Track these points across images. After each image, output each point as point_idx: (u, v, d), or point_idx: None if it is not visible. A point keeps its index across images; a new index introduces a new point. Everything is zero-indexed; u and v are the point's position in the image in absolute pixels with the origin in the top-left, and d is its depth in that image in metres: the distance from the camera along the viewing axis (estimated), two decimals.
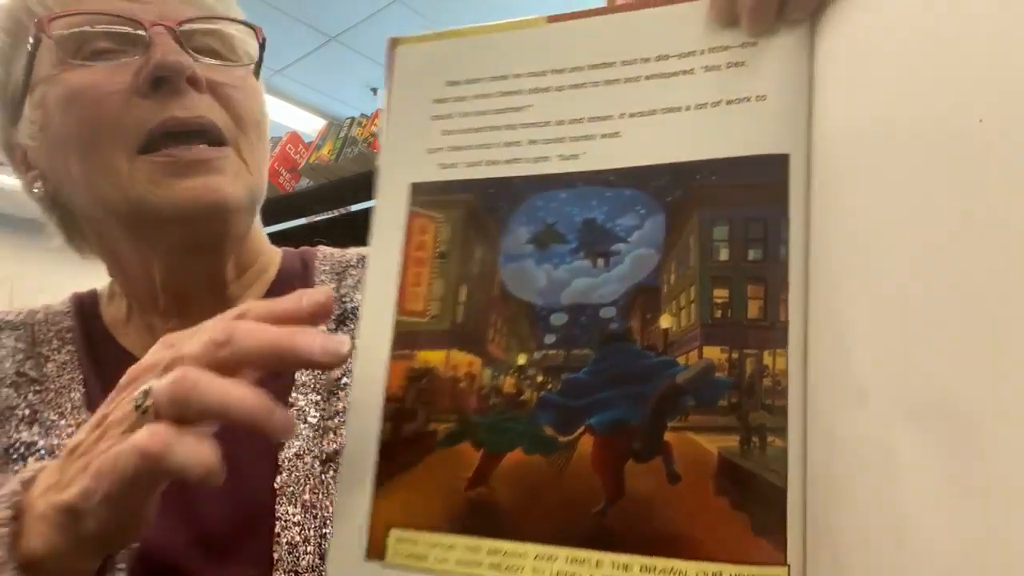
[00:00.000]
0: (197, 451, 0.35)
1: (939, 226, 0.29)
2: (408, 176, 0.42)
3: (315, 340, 0.37)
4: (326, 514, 0.54)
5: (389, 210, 0.42)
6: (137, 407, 0.37)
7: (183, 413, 0.36)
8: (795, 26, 0.38)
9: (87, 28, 0.56)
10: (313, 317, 0.39)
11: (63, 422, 0.58)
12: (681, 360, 0.36)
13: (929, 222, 0.30)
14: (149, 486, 0.37)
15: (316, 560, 0.53)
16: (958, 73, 0.31)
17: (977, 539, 0.26)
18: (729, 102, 0.38)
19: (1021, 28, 0.28)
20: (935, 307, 0.29)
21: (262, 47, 0.63)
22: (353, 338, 0.40)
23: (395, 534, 0.38)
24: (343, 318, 0.65)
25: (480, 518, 0.37)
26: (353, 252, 0.73)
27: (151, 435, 0.35)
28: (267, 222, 0.72)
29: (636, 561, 0.34)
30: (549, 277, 0.39)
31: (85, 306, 0.68)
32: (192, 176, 0.55)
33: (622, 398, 0.36)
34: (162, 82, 0.55)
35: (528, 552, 0.35)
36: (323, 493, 0.55)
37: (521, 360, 0.38)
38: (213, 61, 0.60)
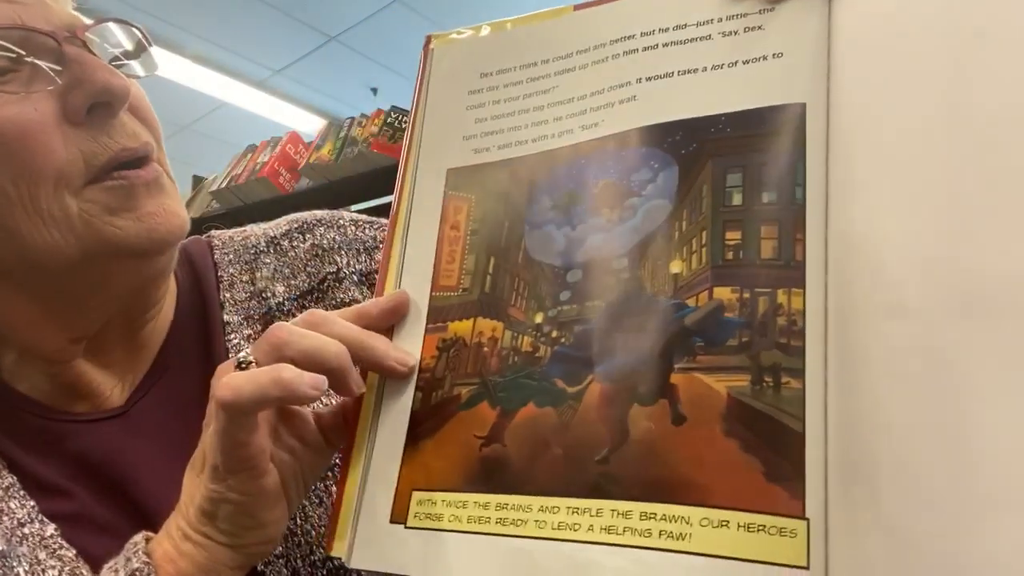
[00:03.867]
0: (271, 379, 0.36)
1: (965, 131, 0.28)
2: (445, 163, 0.45)
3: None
4: (309, 539, 0.51)
5: (427, 196, 0.45)
6: (239, 365, 0.39)
7: (282, 356, 0.38)
8: None
9: None
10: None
11: None
12: (691, 302, 0.34)
13: (952, 133, 0.29)
14: (244, 433, 0.37)
15: None
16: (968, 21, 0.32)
17: None
18: (746, 62, 0.38)
19: None
20: (968, 206, 0.28)
21: (140, 48, 0.52)
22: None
23: (416, 496, 0.38)
24: (269, 317, 0.57)
25: (492, 474, 0.36)
26: (258, 233, 0.63)
27: (221, 387, 0.36)
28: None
29: (637, 508, 0.31)
30: (567, 238, 0.39)
31: None
32: (147, 197, 0.47)
33: (629, 344, 0.35)
34: (99, 107, 0.45)
35: (532, 505, 0.34)
36: (300, 517, 0.52)
37: (538, 319, 0.38)
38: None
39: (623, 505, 0.32)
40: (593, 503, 0.33)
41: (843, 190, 0.33)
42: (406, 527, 0.38)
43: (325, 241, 0.61)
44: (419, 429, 0.40)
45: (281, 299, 0.58)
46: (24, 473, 0.50)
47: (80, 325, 0.50)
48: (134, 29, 0.51)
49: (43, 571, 0.46)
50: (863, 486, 0.28)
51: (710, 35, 0.40)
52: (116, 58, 0.50)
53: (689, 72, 0.39)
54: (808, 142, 0.35)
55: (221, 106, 4.79)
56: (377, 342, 0.41)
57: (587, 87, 0.42)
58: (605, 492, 0.33)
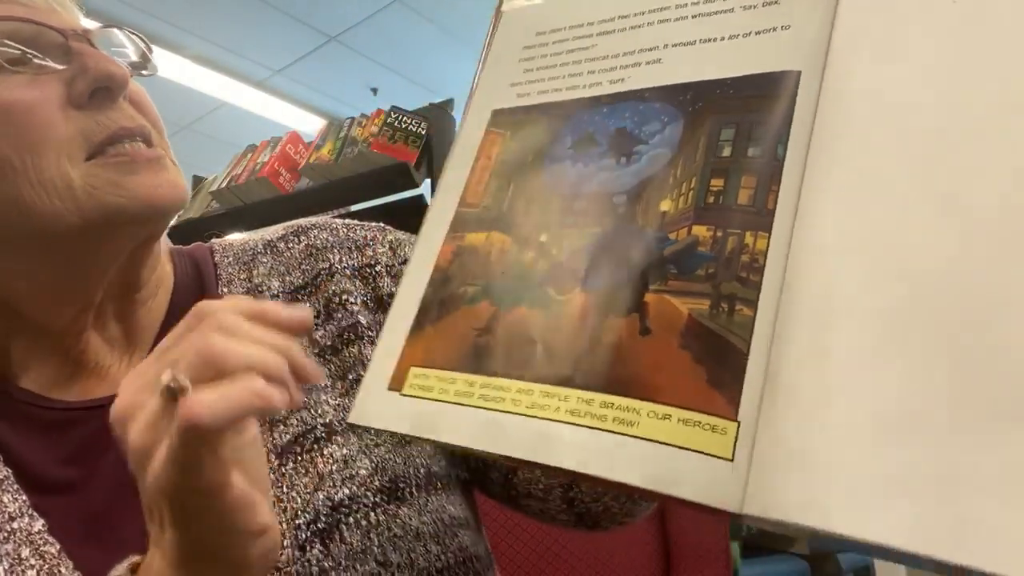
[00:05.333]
0: (251, 392, 0.33)
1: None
2: (491, 104, 0.51)
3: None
4: (295, 505, 0.52)
5: (471, 131, 0.51)
6: (167, 391, 0.34)
7: (222, 372, 0.34)
8: None
9: None
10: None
11: None
12: (672, 236, 0.39)
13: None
14: (211, 455, 0.34)
15: (295, 553, 0.50)
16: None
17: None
18: (758, 33, 0.43)
19: None
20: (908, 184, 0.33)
21: (144, 58, 0.59)
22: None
23: (413, 371, 0.44)
24: None
25: (481, 359, 0.42)
26: (256, 239, 0.67)
27: (193, 405, 0.32)
28: (267, 222, 0.67)
29: (598, 398, 0.37)
30: (579, 173, 0.45)
31: None
32: (149, 172, 0.52)
33: (614, 265, 0.40)
34: (100, 92, 0.52)
35: (511, 387, 0.40)
36: (286, 486, 0.53)
37: (543, 238, 0.44)
38: None
39: (587, 394, 0.37)
40: (563, 390, 0.38)
41: (820, 151, 0.38)
42: (401, 394, 0.44)
43: (319, 241, 0.65)
44: (425, 317, 0.46)
45: (276, 292, 0.62)
46: (22, 465, 0.52)
47: (84, 292, 0.54)
48: (136, 38, 0.58)
49: (23, 571, 0.47)
50: (783, 399, 0.33)
51: (733, 8, 0.44)
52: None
53: (710, 40, 0.44)
54: (797, 106, 0.39)
55: (221, 106, 4.78)
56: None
57: (621, 47, 0.47)
58: (574, 383, 0.38)
